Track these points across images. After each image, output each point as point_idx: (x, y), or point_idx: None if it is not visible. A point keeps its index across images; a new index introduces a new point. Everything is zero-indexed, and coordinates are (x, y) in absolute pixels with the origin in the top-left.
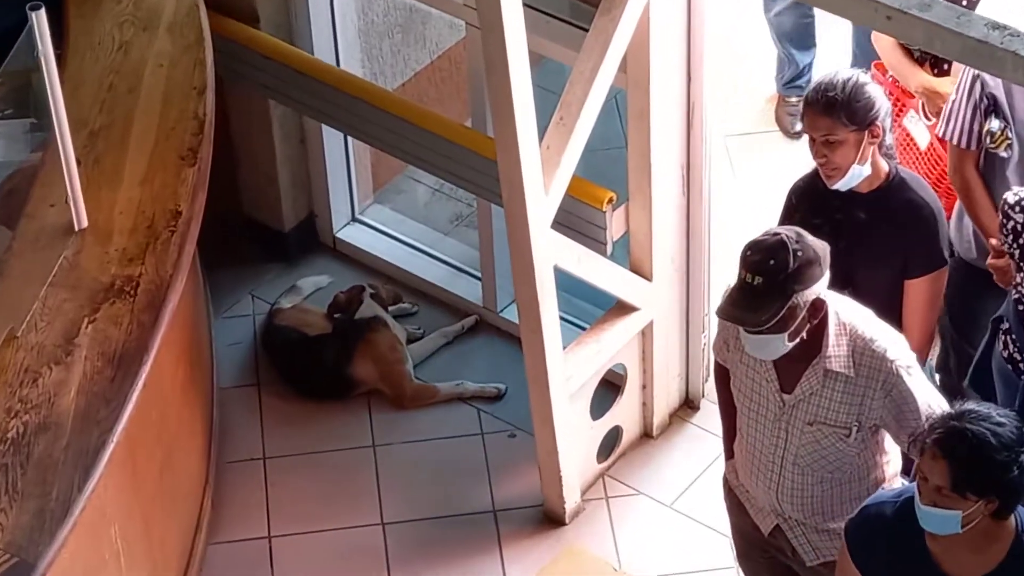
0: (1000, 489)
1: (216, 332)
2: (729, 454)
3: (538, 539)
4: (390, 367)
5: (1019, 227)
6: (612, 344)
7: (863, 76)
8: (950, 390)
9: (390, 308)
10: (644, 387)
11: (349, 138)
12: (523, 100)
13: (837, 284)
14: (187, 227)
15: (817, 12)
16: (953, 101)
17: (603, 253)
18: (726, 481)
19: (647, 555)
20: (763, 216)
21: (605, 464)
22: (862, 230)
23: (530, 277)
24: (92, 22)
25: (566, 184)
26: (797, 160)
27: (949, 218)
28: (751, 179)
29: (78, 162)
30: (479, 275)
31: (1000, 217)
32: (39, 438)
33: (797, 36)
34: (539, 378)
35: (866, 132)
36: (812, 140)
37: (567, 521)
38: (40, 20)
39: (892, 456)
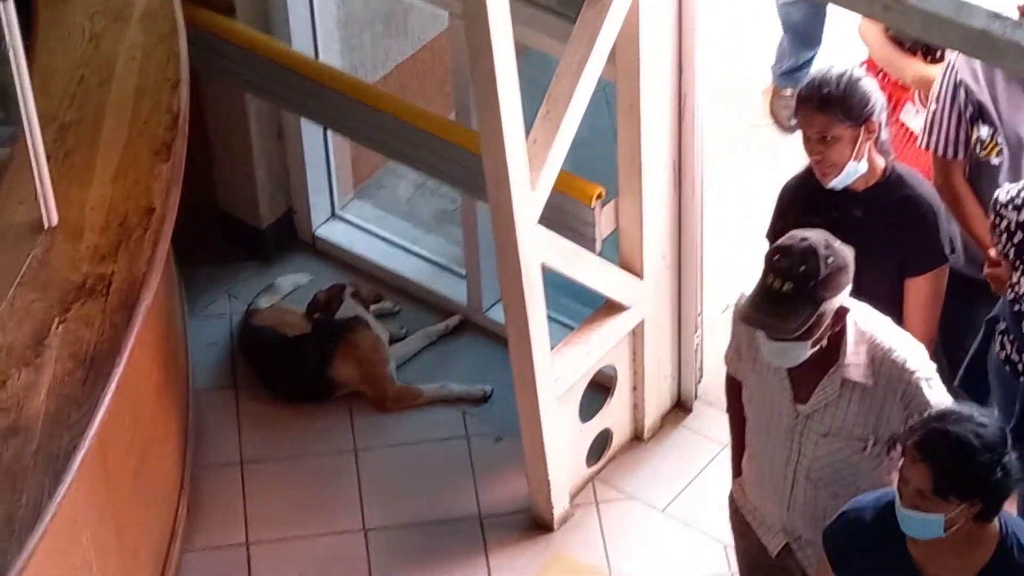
0: (983, 491)
1: (191, 332)
2: (737, 471)
3: (525, 546)
4: (372, 368)
5: (1013, 225)
6: (601, 344)
7: (858, 71)
8: None
9: (371, 307)
10: (635, 388)
11: (328, 132)
12: (509, 92)
13: None
14: (161, 224)
15: (829, 12)
16: (934, 111)
17: (592, 250)
18: (732, 500)
19: (638, 562)
20: (757, 212)
21: (594, 468)
22: (860, 229)
23: (516, 275)
24: (62, 13)
25: (553, 179)
26: (792, 154)
27: None
28: (745, 173)
29: (48, 157)
30: (464, 273)
31: (992, 217)
32: (8, 442)
33: (804, 30)
34: (526, 379)
35: (862, 128)
36: (807, 138)
37: (555, 527)
38: (8, 10)
39: None
